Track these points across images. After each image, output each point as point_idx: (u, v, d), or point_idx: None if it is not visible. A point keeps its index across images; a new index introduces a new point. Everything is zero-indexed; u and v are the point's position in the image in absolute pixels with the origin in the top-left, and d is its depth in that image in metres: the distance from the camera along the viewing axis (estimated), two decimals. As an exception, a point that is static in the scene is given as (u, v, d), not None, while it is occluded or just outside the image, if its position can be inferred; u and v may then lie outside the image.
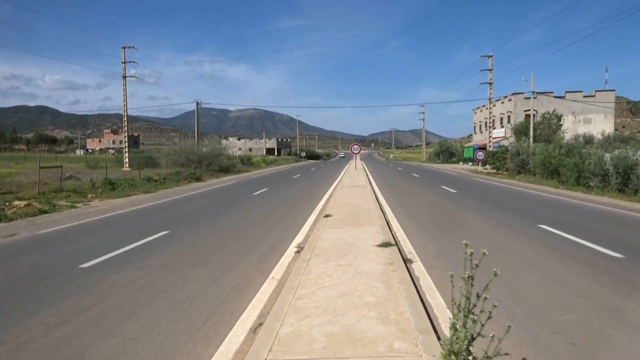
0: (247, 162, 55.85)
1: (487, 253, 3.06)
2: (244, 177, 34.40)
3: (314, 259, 6.77)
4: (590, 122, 50.48)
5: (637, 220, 11.75)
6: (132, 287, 6.15)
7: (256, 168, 53.76)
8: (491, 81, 46.75)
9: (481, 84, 47.65)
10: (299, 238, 9.32)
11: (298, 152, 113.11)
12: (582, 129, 48.49)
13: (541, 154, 28.17)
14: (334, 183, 24.46)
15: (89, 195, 19.51)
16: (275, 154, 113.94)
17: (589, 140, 42.08)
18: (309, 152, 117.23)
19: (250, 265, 7.31)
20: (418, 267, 6.78)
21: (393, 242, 7.84)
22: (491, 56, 46.46)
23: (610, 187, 20.43)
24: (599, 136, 44.80)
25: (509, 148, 38.80)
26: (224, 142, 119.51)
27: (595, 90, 51.08)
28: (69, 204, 16.45)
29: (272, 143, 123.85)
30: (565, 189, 21.87)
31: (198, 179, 30.39)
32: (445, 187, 21.85)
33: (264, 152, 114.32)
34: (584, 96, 50.28)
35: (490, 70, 46.56)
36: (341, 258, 6.67)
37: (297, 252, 8.05)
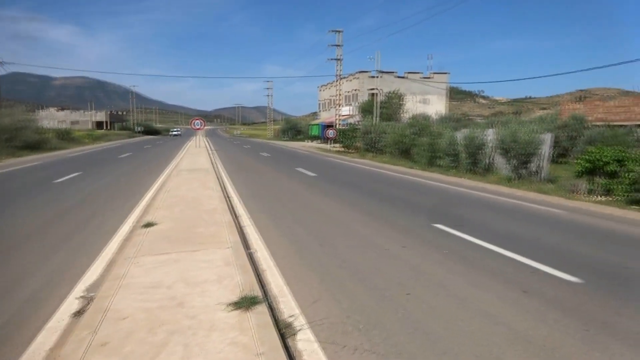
0: (65, 137, 46.68)
1: None
2: (56, 157, 27.46)
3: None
4: (427, 102, 53.13)
5: (538, 213, 10.27)
6: None
7: (78, 144, 45.19)
8: (340, 57, 45.81)
9: (329, 59, 46.46)
10: (88, 278, 5.35)
11: (133, 126, 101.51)
12: (420, 109, 50.70)
13: (393, 133, 27.40)
14: (170, 165, 20.00)
15: None
16: (106, 128, 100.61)
17: (426, 119, 43.81)
18: (146, 127, 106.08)
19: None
20: None
21: (258, 289, 4.46)
22: (341, 31, 45.39)
23: (461, 167, 19.99)
24: (435, 116, 47.21)
25: (359, 126, 38.14)
26: (41, 112, 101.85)
27: (432, 72, 53.82)
28: None
29: (102, 116, 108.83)
30: (420, 170, 20.95)
31: (-17, 160, 23.04)
32: (301, 170, 19.14)
33: (93, 126, 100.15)
34: (422, 77, 52.59)
35: (339, 45, 45.52)
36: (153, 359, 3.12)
37: (76, 315, 4.26)
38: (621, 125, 27.78)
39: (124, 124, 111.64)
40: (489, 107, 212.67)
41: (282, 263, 5.82)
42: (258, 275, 5.05)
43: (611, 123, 29.93)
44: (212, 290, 4.37)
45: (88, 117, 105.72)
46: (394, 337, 3.80)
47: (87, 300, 4.67)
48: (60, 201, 10.80)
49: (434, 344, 3.71)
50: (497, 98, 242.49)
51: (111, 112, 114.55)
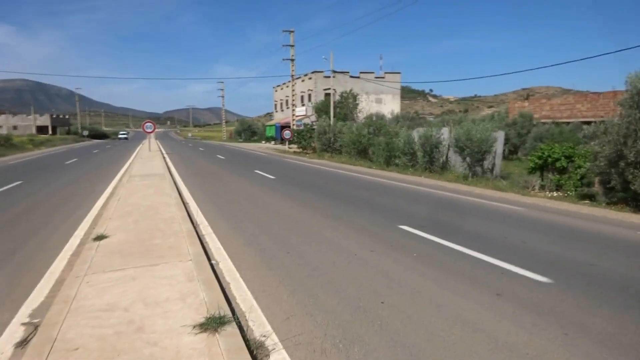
0: (5, 143, 44.03)
1: None
2: (-6, 165, 25.72)
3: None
4: (381, 102, 53.74)
5: (499, 211, 10.39)
6: None
7: (19, 151, 42.65)
8: (293, 57, 45.51)
9: (284, 59, 46.06)
10: (33, 301, 4.84)
11: (79, 130, 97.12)
12: (374, 108, 51.24)
13: (351, 133, 27.44)
14: (121, 171, 19.09)
15: None
16: (50, 132, 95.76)
17: (381, 119, 44.31)
18: (93, 131, 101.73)
19: None
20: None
21: (225, 306, 4.11)
22: (292, 31, 45.12)
23: (418, 166, 20.23)
24: (389, 115, 47.87)
25: (315, 127, 38.03)
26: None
27: (385, 72, 54.46)
28: None
29: (44, 120, 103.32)
30: (378, 169, 21.03)
31: None
32: (260, 172, 18.75)
33: (34, 131, 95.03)
34: (376, 77, 53.12)
35: (292, 46, 45.21)
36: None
37: (19, 345, 3.81)
38: (566, 122, 29.02)
39: (69, 128, 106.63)
40: (439, 106, 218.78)
41: (248, 275, 5.50)
42: (224, 291, 4.71)
43: (556, 120, 31.21)
44: (175, 310, 4.01)
45: (29, 122, 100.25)
46: (375, 353, 3.59)
47: (33, 327, 4.20)
48: None
49: (416, 358, 3.52)
50: (447, 97, 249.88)
51: (54, 115, 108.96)
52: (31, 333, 4.06)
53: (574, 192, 13.80)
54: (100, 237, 6.72)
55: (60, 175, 18.60)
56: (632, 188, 11.15)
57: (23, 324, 4.31)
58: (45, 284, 5.33)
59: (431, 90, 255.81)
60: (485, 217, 9.51)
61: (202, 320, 3.76)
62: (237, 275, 5.49)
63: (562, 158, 16.77)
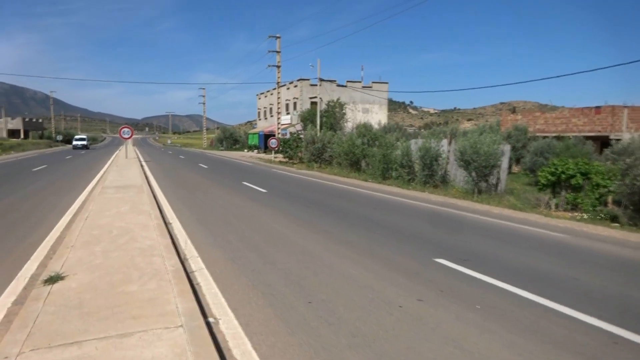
0: (-31, 147, 41.26)
1: None
2: (-48, 170, 23.28)
3: None
4: (368, 111, 52.56)
5: (538, 238, 8.90)
6: None
7: (-16, 155, 39.94)
8: (279, 64, 44.00)
9: (269, 66, 44.50)
10: None
11: (53, 135, 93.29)
12: (361, 118, 49.94)
13: (343, 143, 25.95)
14: (93, 181, 17.06)
15: None
16: (22, 136, 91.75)
17: (369, 129, 43.00)
18: (68, 136, 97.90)
19: None
20: None
21: None
22: (279, 37, 43.65)
23: (417, 180, 18.86)
24: (377, 126, 46.61)
25: (302, 136, 36.50)
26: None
27: (372, 82, 53.34)
28: None
29: (16, 123, 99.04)
30: (376, 183, 19.53)
31: None
32: (248, 184, 17.01)
33: (5, 134, 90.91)
34: (363, 87, 51.92)
35: (278, 52, 43.72)
36: None
37: None
38: (567, 137, 28.02)
39: (42, 132, 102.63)
40: (419, 118, 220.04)
41: (264, 344, 3.82)
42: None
43: (550, 134, 30.29)
44: None
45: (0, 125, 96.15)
46: None
47: None
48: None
49: None
50: (427, 109, 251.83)
51: (27, 119, 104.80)
52: None
53: (593, 213, 12.52)
54: (53, 279, 4.94)
55: (23, 184, 16.48)
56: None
57: None
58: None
59: (412, 102, 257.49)
60: (530, 247, 8.00)
61: None
62: (249, 345, 3.79)
63: (578, 175, 15.54)
